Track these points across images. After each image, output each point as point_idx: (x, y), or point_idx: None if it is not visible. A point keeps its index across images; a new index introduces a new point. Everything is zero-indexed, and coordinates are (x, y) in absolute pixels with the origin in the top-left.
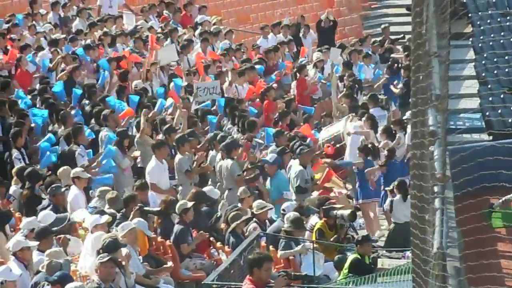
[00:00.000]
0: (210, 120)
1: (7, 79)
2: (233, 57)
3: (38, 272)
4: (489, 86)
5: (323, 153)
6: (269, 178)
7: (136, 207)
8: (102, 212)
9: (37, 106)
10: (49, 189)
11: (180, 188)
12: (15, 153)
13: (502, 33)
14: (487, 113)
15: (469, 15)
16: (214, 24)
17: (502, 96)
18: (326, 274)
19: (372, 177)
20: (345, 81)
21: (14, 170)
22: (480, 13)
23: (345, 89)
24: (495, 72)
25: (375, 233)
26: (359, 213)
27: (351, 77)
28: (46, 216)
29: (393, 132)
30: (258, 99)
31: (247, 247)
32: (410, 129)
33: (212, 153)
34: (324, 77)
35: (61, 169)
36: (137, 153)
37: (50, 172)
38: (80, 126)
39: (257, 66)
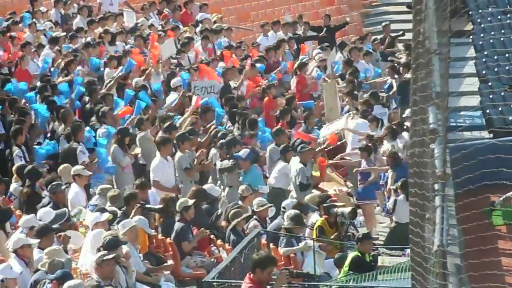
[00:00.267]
0: (218, 113)
1: (7, 77)
2: (233, 55)
3: (37, 270)
4: (490, 84)
5: (326, 147)
6: (242, 173)
7: (137, 205)
8: (102, 210)
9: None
10: (49, 187)
11: (180, 185)
12: (16, 150)
13: (502, 31)
14: (488, 111)
15: (470, 12)
16: (214, 22)
17: (502, 94)
18: (326, 271)
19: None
20: (346, 77)
21: (14, 168)
22: (480, 11)
23: (345, 87)
24: (496, 70)
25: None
26: (359, 210)
27: (355, 73)
28: (45, 214)
29: (396, 131)
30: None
31: (248, 245)
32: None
33: (213, 150)
34: (324, 75)
35: (61, 167)
36: (137, 150)
37: (50, 169)
38: (79, 123)
39: (258, 65)
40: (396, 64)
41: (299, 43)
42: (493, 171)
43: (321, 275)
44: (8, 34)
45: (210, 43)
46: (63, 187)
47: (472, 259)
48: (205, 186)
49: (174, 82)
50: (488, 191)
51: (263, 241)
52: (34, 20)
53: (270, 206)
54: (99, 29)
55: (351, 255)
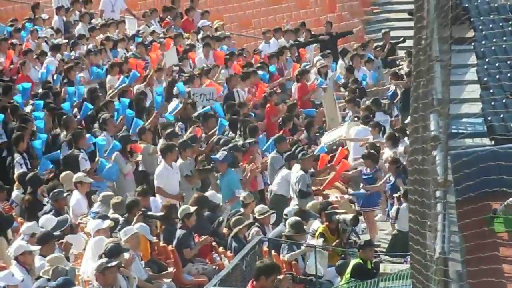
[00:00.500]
0: (221, 122)
1: (9, 84)
2: (235, 62)
3: (39, 277)
4: (491, 91)
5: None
6: (219, 176)
7: (138, 212)
8: (104, 217)
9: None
10: (51, 194)
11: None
12: (17, 157)
13: (504, 38)
14: (489, 118)
15: (471, 20)
16: (216, 29)
17: (504, 101)
18: (328, 279)
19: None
20: (349, 86)
21: (16, 175)
22: (482, 18)
23: (347, 95)
24: (497, 77)
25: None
26: (361, 217)
27: (355, 83)
28: (47, 221)
29: (398, 138)
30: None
31: (249, 252)
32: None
33: None
34: (326, 82)
35: (63, 174)
36: (139, 157)
37: (52, 175)
38: (81, 130)
39: (260, 72)
40: (397, 71)
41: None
42: (493, 178)
43: (323, 283)
44: (9, 41)
45: (211, 50)
46: (65, 194)
47: (473, 266)
48: (207, 193)
49: (176, 89)
50: (488, 198)
51: (265, 248)
52: (35, 27)
53: (272, 213)
54: (101, 36)
55: (352, 262)
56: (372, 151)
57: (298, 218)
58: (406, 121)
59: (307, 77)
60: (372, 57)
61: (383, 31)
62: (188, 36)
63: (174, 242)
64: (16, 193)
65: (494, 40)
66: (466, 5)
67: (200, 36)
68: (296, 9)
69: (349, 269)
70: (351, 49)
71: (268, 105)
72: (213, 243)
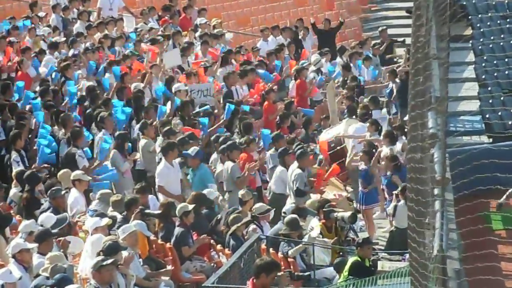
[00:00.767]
0: (229, 107)
1: (7, 82)
2: (233, 60)
3: (38, 275)
4: (489, 88)
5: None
6: (191, 171)
7: (137, 210)
8: (102, 215)
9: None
10: (49, 192)
11: None
12: (13, 155)
13: (502, 36)
14: (487, 116)
15: (469, 17)
16: (214, 26)
17: (502, 98)
18: (326, 276)
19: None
20: (347, 83)
21: (13, 173)
22: (480, 16)
23: (346, 92)
24: (495, 74)
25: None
26: (359, 215)
27: (354, 80)
28: (47, 219)
29: (395, 136)
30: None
31: (247, 250)
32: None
33: (214, 155)
34: (323, 79)
35: (61, 172)
36: (137, 155)
37: (49, 174)
38: (79, 129)
39: (261, 71)
40: (395, 69)
41: (299, 47)
42: (489, 176)
43: (320, 280)
44: (7, 39)
45: (210, 48)
46: (63, 192)
47: (472, 264)
48: (205, 191)
49: (176, 87)
50: (484, 195)
51: (263, 246)
52: (33, 25)
53: (269, 210)
54: (98, 34)
55: (350, 260)
56: (369, 147)
57: (294, 216)
58: (405, 119)
59: (305, 75)
60: (370, 55)
61: (380, 28)
62: (186, 34)
63: (172, 240)
64: (14, 191)
65: (491, 37)
66: (464, 3)
67: (197, 34)
68: (294, 7)
69: (347, 267)
70: (349, 47)
71: (266, 102)
72: (211, 241)
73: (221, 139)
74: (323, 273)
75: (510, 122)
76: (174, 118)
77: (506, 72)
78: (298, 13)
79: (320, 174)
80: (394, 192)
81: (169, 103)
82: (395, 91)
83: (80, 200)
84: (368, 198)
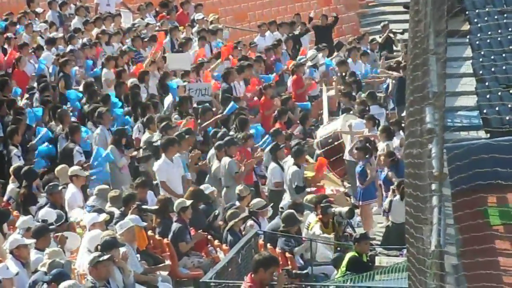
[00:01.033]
0: (233, 105)
1: (4, 78)
2: (230, 55)
3: (36, 271)
4: (487, 83)
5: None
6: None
7: (133, 205)
8: (99, 211)
9: (34, 105)
10: (46, 188)
11: None
12: (13, 150)
13: (499, 31)
14: (485, 111)
15: (466, 12)
16: (211, 22)
17: (499, 93)
18: (323, 272)
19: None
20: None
21: (11, 169)
22: (477, 11)
23: (343, 88)
24: (493, 69)
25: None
26: (357, 211)
27: (352, 76)
28: (47, 214)
29: (392, 131)
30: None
31: (245, 245)
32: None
33: (212, 151)
34: (318, 74)
35: (59, 167)
36: (134, 152)
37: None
38: (77, 125)
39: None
40: (392, 64)
41: (297, 42)
42: (487, 171)
43: (318, 275)
44: (5, 35)
45: (207, 44)
46: (60, 187)
47: (469, 259)
48: (202, 186)
49: (174, 82)
50: (482, 191)
51: (260, 241)
52: (30, 21)
53: (267, 206)
54: (96, 30)
55: (348, 255)
56: (367, 145)
57: (290, 211)
58: (402, 114)
59: (302, 71)
60: (368, 51)
61: (382, 24)
62: (183, 30)
63: (170, 236)
64: (11, 187)
65: (489, 32)
66: None
67: (195, 29)
68: (291, 2)
69: (344, 262)
70: (346, 43)
71: (262, 98)
72: (209, 237)
73: (218, 134)
74: (321, 269)
75: (507, 117)
76: (173, 114)
77: (504, 67)
78: (295, 9)
79: (320, 165)
80: (392, 186)
81: (166, 98)
82: (391, 86)
83: (78, 196)
84: (365, 194)
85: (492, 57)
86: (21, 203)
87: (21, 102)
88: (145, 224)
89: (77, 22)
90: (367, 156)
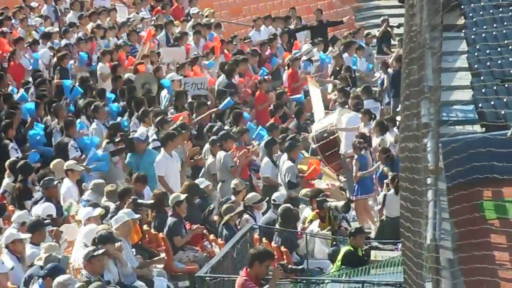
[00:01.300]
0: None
1: (0, 73)
2: (225, 50)
3: (33, 265)
4: (482, 77)
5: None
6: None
7: (129, 200)
8: (94, 205)
9: (29, 100)
10: (41, 182)
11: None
12: (11, 143)
13: (494, 25)
14: (480, 105)
15: (462, 6)
16: (206, 16)
17: (495, 87)
18: (319, 266)
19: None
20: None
21: (7, 163)
22: (472, 5)
23: (339, 83)
24: (488, 63)
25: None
26: (352, 205)
27: (348, 71)
28: (46, 209)
29: (386, 126)
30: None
31: (240, 240)
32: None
33: (207, 145)
34: (313, 68)
35: (54, 162)
36: None
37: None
38: (72, 119)
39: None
40: (387, 59)
41: (292, 36)
42: (484, 165)
43: (313, 270)
44: (0, 29)
45: (202, 38)
46: (55, 182)
47: (465, 253)
48: (197, 181)
49: (169, 76)
50: (479, 184)
51: (256, 236)
52: (24, 15)
53: (263, 200)
54: (91, 24)
55: (343, 249)
56: (362, 140)
57: (288, 207)
58: (398, 109)
59: (297, 65)
60: (363, 45)
61: (381, 18)
62: (178, 24)
63: (165, 230)
64: (7, 181)
65: (484, 27)
66: None
67: (190, 23)
68: None
69: (340, 257)
70: (341, 37)
71: (257, 92)
72: (204, 231)
73: (214, 129)
74: (317, 263)
75: (503, 112)
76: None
77: (499, 62)
78: (290, 3)
79: (312, 165)
80: (386, 180)
81: (162, 92)
82: (386, 81)
83: (73, 190)
84: (359, 188)
85: (488, 51)
86: (17, 197)
87: (16, 96)
88: (138, 216)
89: (72, 17)
90: (362, 152)
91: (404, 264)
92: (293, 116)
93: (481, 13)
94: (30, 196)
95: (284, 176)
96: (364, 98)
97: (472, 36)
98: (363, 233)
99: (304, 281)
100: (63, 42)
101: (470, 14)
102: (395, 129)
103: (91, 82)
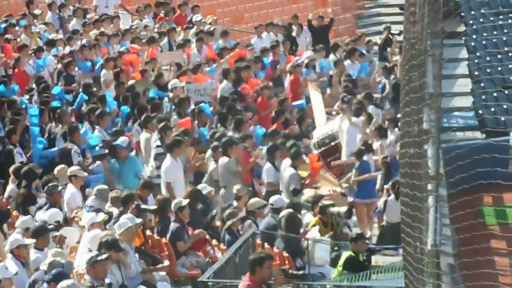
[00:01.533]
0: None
1: (4, 79)
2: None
3: (38, 269)
4: (482, 84)
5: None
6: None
7: (132, 205)
8: (98, 211)
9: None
10: (46, 188)
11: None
12: (16, 148)
13: (495, 32)
14: (480, 112)
15: (462, 14)
16: (209, 23)
17: (495, 94)
18: (321, 271)
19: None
20: (342, 82)
21: (11, 169)
22: (473, 12)
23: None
24: (488, 70)
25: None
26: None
27: (348, 77)
28: (53, 215)
29: (385, 130)
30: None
31: (243, 245)
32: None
33: (210, 151)
34: (314, 75)
35: (59, 167)
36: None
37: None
38: (76, 125)
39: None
40: (387, 65)
41: (293, 43)
42: (486, 171)
43: (315, 275)
44: (4, 37)
45: (205, 45)
46: (60, 188)
47: (465, 258)
48: (199, 186)
49: (172, 83)
50: (481, 190)
51: (258, 241)
52: (28, 22)
53: (265, 206)
54: (95, 31)
55: (344, 255)
56: (362, 148)
57: (291, 213)
58: (398, 115)
59: (299, 72)
60: (364, 52)
61: (383, 26)
62: (180, 31)
63: (168, 235)
64: (11, 186)
65: (485, 34)
66: (457, 0)
67: (193, 31)
68: (288, 4)
69: (341, 262)
70: (343, 44)
71: (259, 98)
72: (207, 236)
73: (217, 135)
74: (318, 269)
75: (503, 118)
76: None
77: (499, 69)
78: (292, 10)
79: (313, 166)
80: (385, 186)
81: (165, 100)
82: (387, 87)
83: (77, 196)
84: (359, 193)
85: (488, 58)
86: (21, 203)
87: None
88: (140, 220)
89: (75, 24)
90: (365, 158)
91: (405, 269)
92: (295, 122)
93: (481, 20)
94: (34, 201)
95: (288, 184)
96: (366, 104)
97: (473, 43)
98: (364, 238)
99: (306, 286)
100: (67, 49)
101: (471, 22)
102: (396, 130)
103: (95, 88)
